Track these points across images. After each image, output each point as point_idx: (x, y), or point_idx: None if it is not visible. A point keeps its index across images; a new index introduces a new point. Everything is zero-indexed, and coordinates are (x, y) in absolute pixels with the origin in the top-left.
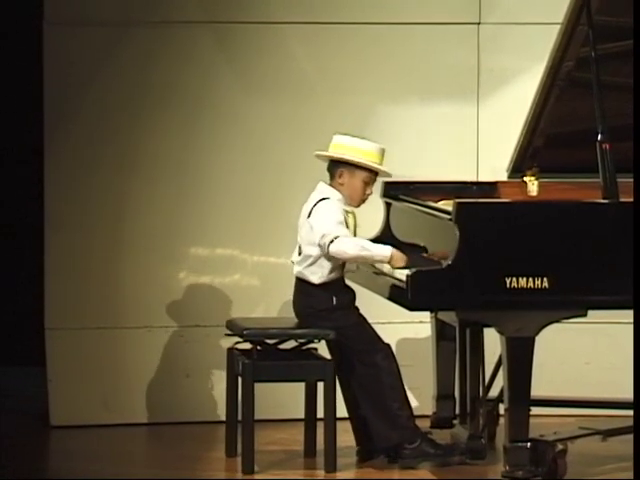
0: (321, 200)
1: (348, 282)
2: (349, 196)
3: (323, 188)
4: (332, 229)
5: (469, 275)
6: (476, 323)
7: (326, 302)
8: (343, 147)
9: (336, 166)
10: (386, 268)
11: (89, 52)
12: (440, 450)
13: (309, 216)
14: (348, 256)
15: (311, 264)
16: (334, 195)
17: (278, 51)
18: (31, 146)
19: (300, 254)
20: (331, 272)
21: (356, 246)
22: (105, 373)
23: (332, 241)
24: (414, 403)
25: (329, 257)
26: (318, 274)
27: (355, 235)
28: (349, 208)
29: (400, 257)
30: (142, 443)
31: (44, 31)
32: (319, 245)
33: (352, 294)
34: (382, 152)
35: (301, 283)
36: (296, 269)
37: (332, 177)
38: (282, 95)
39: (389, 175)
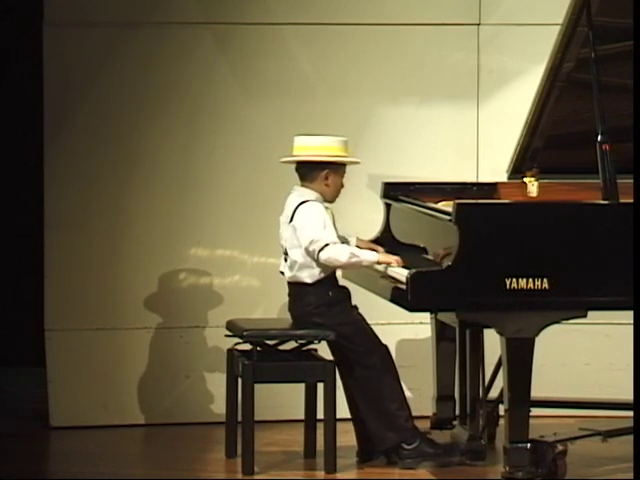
0: (303, 203)
1: (347, 283)
2: (331, 194)
3: (301, 191)
4: (320, 235)
5: (469, 276)
6: (476, 324)
7: (323, 297)
8: (318, 148)
9: (319, 168)
10: (380, 267)
11: (89, 53)
12: (440, 449)
13: (291, 220)
14: (340, 263)
15: (300, 267)
16: (313, 196)
17: (278, 52)
18: (31, 146)
19: (286, 260)
20: (322, 271)
21: (346, 254)
22: (105, 374)
23: (322, 249)
24: (414, 404)
25: (320, 263)
26: (310, 275)
27: (335, 229)
28: (326, 204)
29: (386, 257)
30: (142, 444)
31: (44, 32)
32: (306, 250)
33: (347, 290)
34: (347, 143)
35: (295, 286)
36: (287, 275)
37: (312, 179)
38: (282, 96)
39: (358, 163)
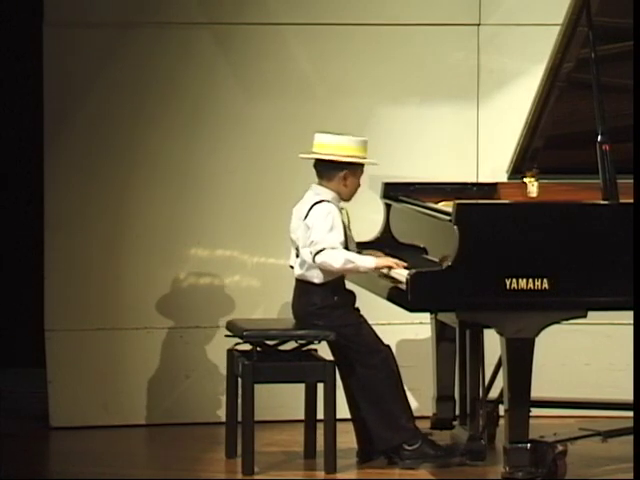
0: (319, 202)
1: (348, 283)
2: (347, 194)
3: (319, 190)
4: (322, 238)
5: (469, 276)
6: (476, 324)
7: (328, 299)
8: (339, 147)
9: (338, 168)
10: (383, 269)
11: (89, 53)
12: (440, 451)
13: (306, 217)
14: (333, 269)
15: (310, 267)
16: (330, 196)
17: (278, 52)
18: (31, 146)
19: (297, 256)
20: (329, 274)
21: (341, 259)
22: (105, 374)
23: (318, 252)
24: (414, 404)
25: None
26: (318, 275)
27: (349, 230)
28: (342, 204)
29: (385, 262)
30: (142, 444)
31: (44, 33)
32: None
33: (352, 295)
34: (366, 144)
35: (302, 284)
36: (296, 272)
37: (330, 178)
38: (282, 96)
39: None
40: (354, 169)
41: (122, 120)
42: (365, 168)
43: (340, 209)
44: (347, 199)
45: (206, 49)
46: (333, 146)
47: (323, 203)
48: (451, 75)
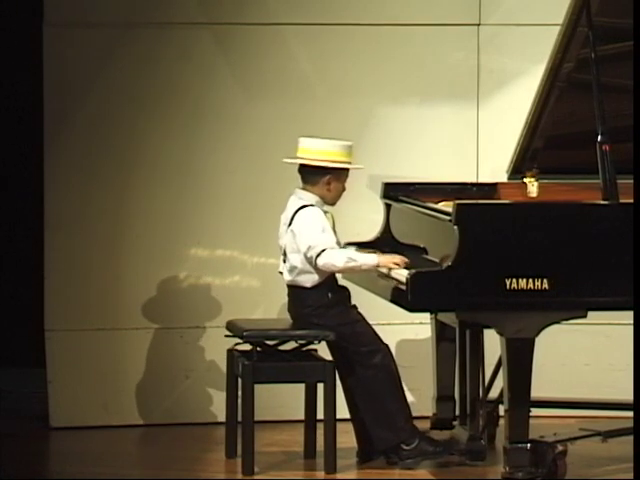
0: (302, 207)
1: (348, 283)
2: (332, 198)
3: (302, 194)
4: (318, 240)
5: (469, 276)
6: (476, 324)
7: (322, 299)
8: (322, 152)
9: (321, 173)
10: (384, 269)
11: (89, 53)
12: (439, 447)
13: (290, 224)
14: (336, 269)
15: (300, 272)
16: (313, 200)
17: (278, 52)
18: (31, 146)
19: (285, 262)
20: (321, 276)
21: (343, 258)
22: (105, 375)
23: (319, 254)
24: (414, 404)
25: (317, 268)
26: (309, 279)
27: (335, 233)
28: (326, 208)
29: (388, 260)
30: (142, 444)
31: (44, 33)
32: (305, 255)
33: (347, 292)
34: (351, 148)
35: (294, 289)
36: (286, 278)
37: (314, 183)
38: (282, 96)
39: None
40: (338, 174)
41: (122, 120)
42: (362, 169)
43: (325, 212)
44: (331, 203)
45: (206, 49)
46: (317, 151)
47: (307, 208)
48: (451, 75)
